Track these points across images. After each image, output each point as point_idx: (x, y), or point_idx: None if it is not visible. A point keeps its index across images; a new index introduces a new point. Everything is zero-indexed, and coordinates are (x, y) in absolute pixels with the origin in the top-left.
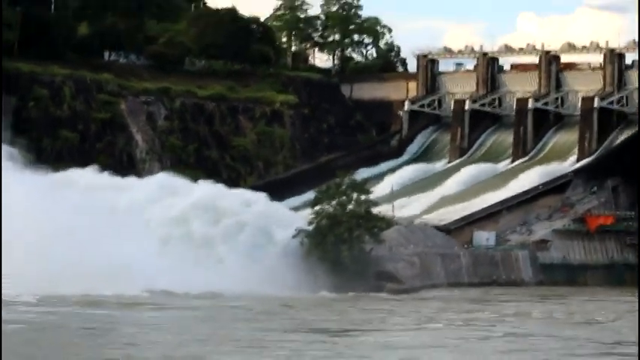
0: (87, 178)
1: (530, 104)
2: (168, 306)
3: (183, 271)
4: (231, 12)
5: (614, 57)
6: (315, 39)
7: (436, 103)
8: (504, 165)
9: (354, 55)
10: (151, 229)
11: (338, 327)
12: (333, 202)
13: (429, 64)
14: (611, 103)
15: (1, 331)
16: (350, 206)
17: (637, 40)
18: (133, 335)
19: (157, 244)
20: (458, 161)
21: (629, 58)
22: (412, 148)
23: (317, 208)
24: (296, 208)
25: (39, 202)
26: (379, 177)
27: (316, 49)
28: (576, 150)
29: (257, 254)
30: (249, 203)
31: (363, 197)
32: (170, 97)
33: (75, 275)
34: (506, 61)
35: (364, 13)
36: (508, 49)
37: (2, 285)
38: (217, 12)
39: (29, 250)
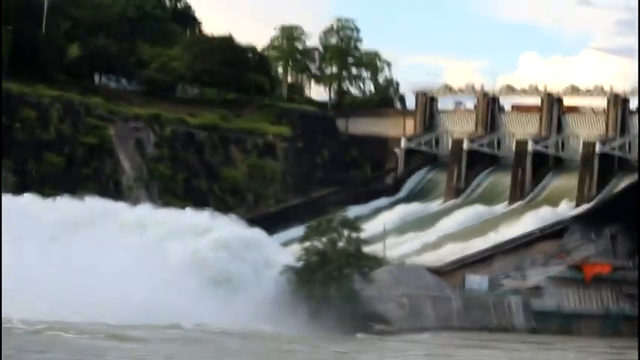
0: None
1: (530, 147)
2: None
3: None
4: (227, 39)
5: (618, 102)
6: (313, 71)
7: (433, 141)
8: (501, 208)
9: (352, 89)
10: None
11: None
12: (324, 239)
13: (427, 101)
14: (613, 148)
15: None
16: (340, 244)
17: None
18: None
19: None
20: (453, 202)
21: (634, 103)
22: (407, 187)
23: (306, 244)
24: (285, 244)
25: None
26: (372, 215)
27: (313, 81)
28: (575, 195)
29: (242, 289)
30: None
31: (354, 235)
32: (160, 124)
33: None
34: (507, 102)
35: (363, 47)
36: (510, 89)
37: None
38: (213, 39)
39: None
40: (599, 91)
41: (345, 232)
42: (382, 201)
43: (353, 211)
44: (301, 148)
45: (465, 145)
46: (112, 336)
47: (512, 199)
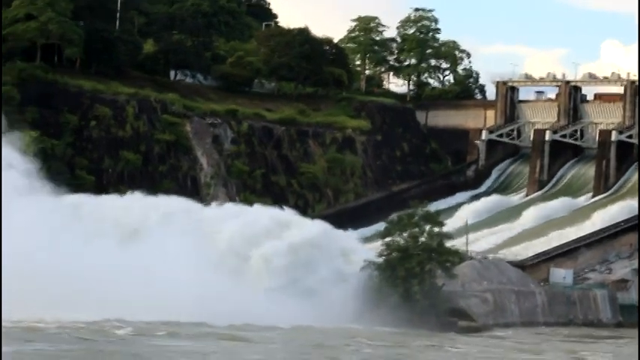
0: None
1: (614, 136)
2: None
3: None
4: (304, 32)
5: None
6: (390, 62)
7: (515, 132)
8: (585, 199)
9: (431, 81)
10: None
11: None
12: (405, 234)
13: (508, 91)
14: None
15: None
16: (422, 238)
17: None
18: None
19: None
20: (536, 194)
21: None
22: (489, 180)
23: (387, 239)
24: (366, 239)
25: None
26: (453, 209)
27: (391, 74)
28: None
29: (324, 286)
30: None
31: (436, 229)
32: (237, 120)
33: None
34: (589, 91)
35: (442, 37)
36: (592, 78)
37: None
38: (289, 32)
39: None
40: None
41: (427, 227)
42: (464, 194)
43: (434, 205)
44: (380, 142)
45: (548, 136)
46: (221, 336)
47: (597, 191)
